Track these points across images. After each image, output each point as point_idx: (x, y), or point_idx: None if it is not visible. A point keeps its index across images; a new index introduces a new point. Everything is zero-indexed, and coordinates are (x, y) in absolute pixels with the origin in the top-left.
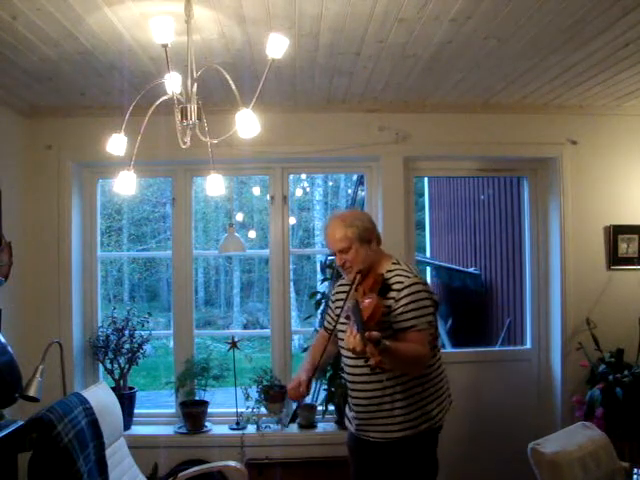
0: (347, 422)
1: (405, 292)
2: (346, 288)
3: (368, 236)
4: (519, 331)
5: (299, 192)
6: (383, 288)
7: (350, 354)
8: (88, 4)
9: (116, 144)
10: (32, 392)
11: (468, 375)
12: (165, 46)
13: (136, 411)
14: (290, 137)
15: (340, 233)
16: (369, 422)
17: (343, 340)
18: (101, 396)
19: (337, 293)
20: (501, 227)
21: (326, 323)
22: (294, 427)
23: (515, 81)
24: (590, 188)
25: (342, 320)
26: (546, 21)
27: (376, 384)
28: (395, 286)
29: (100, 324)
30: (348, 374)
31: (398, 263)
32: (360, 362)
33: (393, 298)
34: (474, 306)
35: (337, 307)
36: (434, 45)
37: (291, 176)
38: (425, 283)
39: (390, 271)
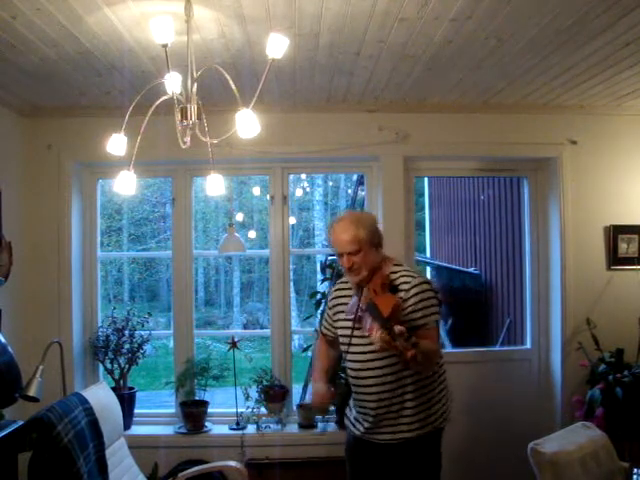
0: (349, 424)
1: (413, 291)
2: (347, 292)
3: (377, 239)
4: (519, 331)
5: (299, 192)
6: (390, 289)
7: (356, 357)
8: (88, 4)
9: (116, 144)
10: (32, 392)
11: (468, 375)
12: (165, 46)
13: (136, 411)
14: (290, 137)
15: (351, 235)
16: (379, 424)
17: (345, 343)
18: (101, 396)
19: (336, 298)
20: (501, 227)
21: (324, 329)
22: (294, 427)
23: (515, 81)
24: (590, 188)
25: (342, 324)
26: (546, 21)
27: (386, 386)
28: (402, 286)
29: (100, 324)
30: (354, 377)
31: (400, 264)
32: (368, 365)
33: (401, 298)
34: (474, 306)
35: (337, 312)
36: (434, 45)
37: (291, 176)
38: (430, 282)
39: (394, 272)
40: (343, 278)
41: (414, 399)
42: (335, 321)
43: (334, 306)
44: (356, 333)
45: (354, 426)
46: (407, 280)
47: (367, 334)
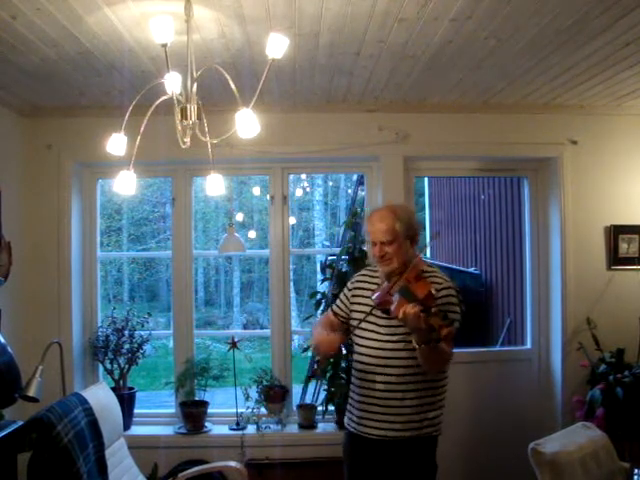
0: (347, 421)
1: (442, 293)
2: (373, 280)
3: (413, 233)
4: (519, 331)
5: (299, 192)
6: None
7: (369, 343)
8: (88, 4)
9: (116, 144)
10: (32, 392)
11: (468, 375)
12: (165, 46)
13: (136, 411)
14: (290, 137)
15: (388, 224)
16: (373, 417)
17: (361, 329)
18: (101, 396)
19: (360, 282)
20: (501, 227)
21: (335, 307)
22: (294, 427)
23: (515, 81)
24: (590, 188)
25: (361, 308)
26: (546, 21)
27: (391, 377)
28: (433, 286)
29: (100, 324)
30: (364, 363)
31: (432, 266)
32: (380, 353)
33: None
34: (474, 306)
35: (356, 295)
36: (434, 45)
37: (291, 176)
38: (458, 291)
39: (426, 272)
40: (371, 267)
41: (414, 399)
42: (352, 304)
43: (355, 289)
44: (381, 321)
45: (351, 420)
46: (438, 281)
47: (394, 314)
